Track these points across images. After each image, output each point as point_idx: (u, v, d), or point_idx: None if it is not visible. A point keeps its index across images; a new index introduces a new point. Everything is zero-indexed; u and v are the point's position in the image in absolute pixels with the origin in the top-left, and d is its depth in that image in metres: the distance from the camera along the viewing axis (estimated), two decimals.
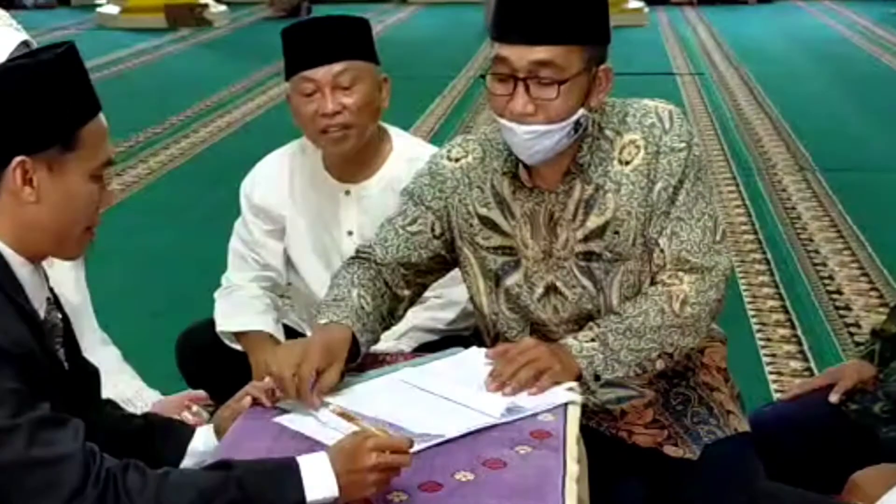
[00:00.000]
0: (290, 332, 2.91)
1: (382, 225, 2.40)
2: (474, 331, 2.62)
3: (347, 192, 2.79)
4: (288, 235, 2.87)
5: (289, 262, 2.90)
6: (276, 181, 2.85)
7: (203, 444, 2.03)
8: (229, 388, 2.19)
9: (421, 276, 2.38)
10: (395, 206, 2.42)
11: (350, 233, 2.78)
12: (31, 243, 1.79)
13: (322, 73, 2.65)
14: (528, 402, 2.05)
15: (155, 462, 1.78)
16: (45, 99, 1.74)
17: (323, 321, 2.20)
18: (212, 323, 2.90)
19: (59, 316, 1.90)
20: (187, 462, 2.01)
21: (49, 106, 1.74)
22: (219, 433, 2.05)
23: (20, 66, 1.78)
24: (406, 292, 2.36)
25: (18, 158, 1.73)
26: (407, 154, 2.76)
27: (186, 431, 2.07)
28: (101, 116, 1.83)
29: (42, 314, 1.82)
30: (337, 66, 2.65)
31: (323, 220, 2.82)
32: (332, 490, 1.73)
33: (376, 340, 2.28)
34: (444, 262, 2.39)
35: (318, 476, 1.73)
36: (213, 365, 2.85)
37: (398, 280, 2.35)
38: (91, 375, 2.00)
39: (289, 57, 2.71)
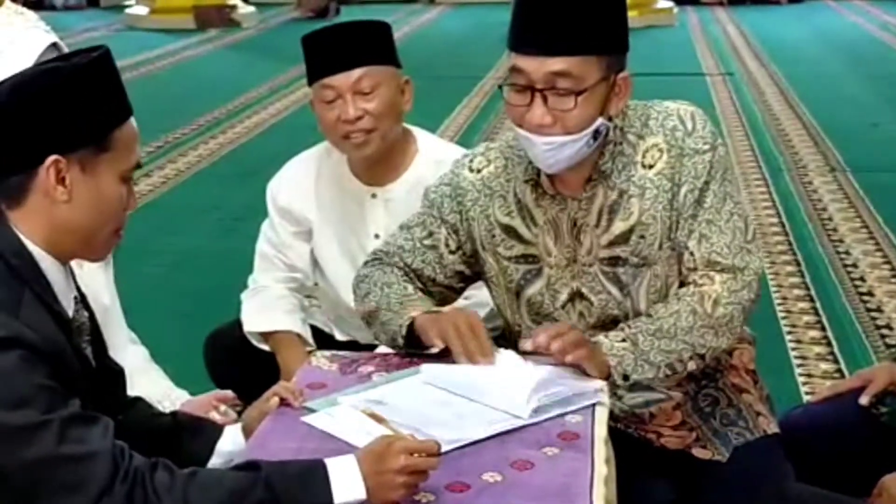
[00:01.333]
0: (317, 333, 2.91)
1: (401, 229, 2.40)
2: (501, 332, 2.61)
3: (374, 196, 2.79)
4: (315, 238, 2.87)
5: (315, 263, 2.90)
6: (302, 184, 2.86)
7: (231, 443, 2.04)
8: (257, 389, 2.20)
9: (437, 295, 2.38)
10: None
11: (377, 236, 2.78)
12: (61, 244, 1.81)
13: (342, 79, 2.64)
14: (556, 404, 2.03)
15: (182, 460, 1.79)
16: (81, 100, 1.77)
17: (414, 314, 2.22)
18: (239, 324, 2.91)
19: (86, 315, 1.92)
20: (215, 461, 2.01)
21: (84, 107, 1.77)
22: (246, 433, 2.05)
23: (57, 67, 1.81)
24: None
25: (52, 157, 1.76)
26: (433, 155, 2.76)
27: (214, 430, 2.07)
28: (133, 120, 1.86)
29: (70, 313, 1.84)
30: (357, 72, 2.64)
31: (349, 223, 2.82)
32: (359, 492, 1.73)
33: None
34: (462, 276, 2.39)
35: (345, 478, 1.74)
36: (241, 365, 2.86)
37: (419, 285, 2.36)
38: (117, 375, 2.02)
39: (309, 64, 2.71)
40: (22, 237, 1.79)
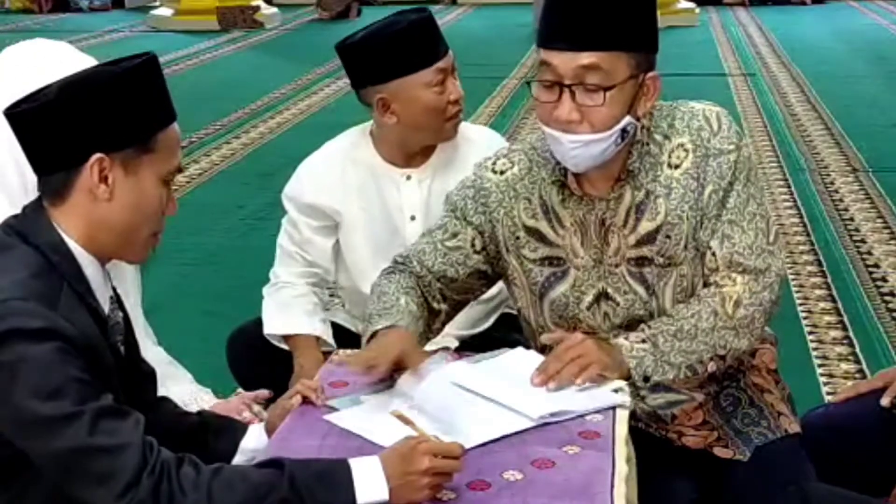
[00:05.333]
0: (339, 331, 2.93)
1: (422, 235, 2.42)
2: (519, 335, 2.61)
3: (408, 177, 2.84)
4: (345, 231, 2.89)
5: (341, 258, 2.92)
6: (327, 178, 2.87)
7: (254, 441, 2.06)
8: (279, 387, 2.22)
9: (457, 292, 2.38)
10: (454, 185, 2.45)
11: (413, 217, 2.82)
12: (100, 242, 1.85)
13: (445, 62, 2.77)
14: (577, 404, 2.04)
15: (207, 458, 1.80)
16: (127, 101, 1.81)
17: (378, 327, 2.21)
18: (261, 322, 2.93)
19: (121, 315, 1.95)
20: (238, 459, 2.03)
21: (130, 108, 1.81)
22: (269, 431, 2.07)
23: (106, 70, 1.86)
24: (442, 306, 2.37)
25: (97, 155, 1.80)
26: (464, 134, 2.84)
27: (239, 429, 2.10)
28: (176, 125, 1.90)
29: (106, 311, 1.87)
30: (450, 56, 2.80)
31: (385, 209, 2.85)
32: (382, 493, 1.75)
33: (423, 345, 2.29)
34: (484, 277, 2.39)
35: (369, 478, 1.75)
36: (263, 363, 2.88)
37: (434, 293, 2.35)
38: (147, 376, 2.05)
39: (413, 54, 2.75)
40: (62, 234, 1.82)
